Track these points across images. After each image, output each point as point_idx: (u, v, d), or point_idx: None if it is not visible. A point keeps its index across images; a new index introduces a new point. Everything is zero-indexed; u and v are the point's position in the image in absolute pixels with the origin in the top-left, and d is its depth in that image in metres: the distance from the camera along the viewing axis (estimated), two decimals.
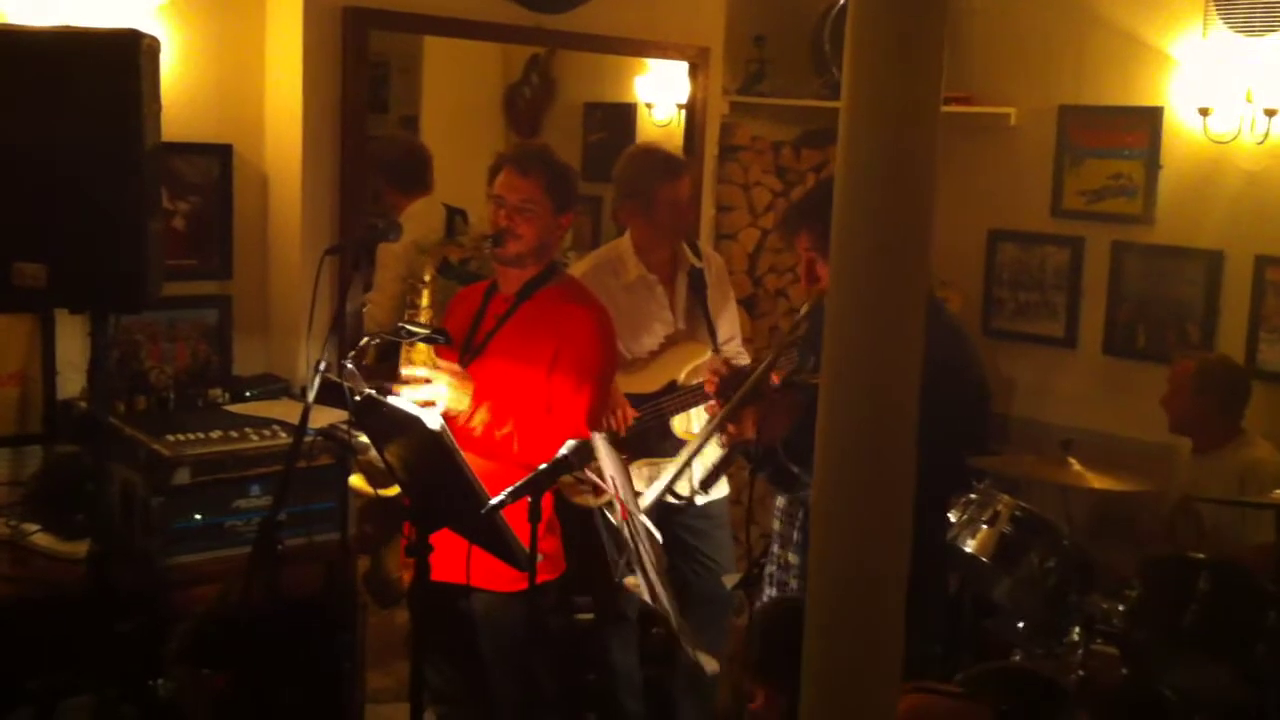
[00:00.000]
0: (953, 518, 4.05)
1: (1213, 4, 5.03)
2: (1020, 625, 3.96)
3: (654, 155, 4.26)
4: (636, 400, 4.02)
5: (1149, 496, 4.62)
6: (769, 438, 3.01)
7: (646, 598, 2.65)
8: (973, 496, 4.09)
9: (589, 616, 4.14)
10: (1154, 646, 3.68)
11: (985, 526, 3.94)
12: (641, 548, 2.52)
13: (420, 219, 4.66)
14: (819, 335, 3.17)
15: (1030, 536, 3.94)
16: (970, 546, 3.96)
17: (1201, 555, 3.76)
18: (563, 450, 2.69)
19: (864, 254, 1.62)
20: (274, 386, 4.11)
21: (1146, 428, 4.88)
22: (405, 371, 3.22)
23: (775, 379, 3.02)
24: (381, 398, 2.82)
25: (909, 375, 1.63)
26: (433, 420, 2.68)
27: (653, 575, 2.55)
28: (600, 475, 2.67)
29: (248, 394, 4.04)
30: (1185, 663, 3.67)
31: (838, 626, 1.60)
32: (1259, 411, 4.69)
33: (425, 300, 3.30)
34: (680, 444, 4.09)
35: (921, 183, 1.63)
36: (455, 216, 4.78)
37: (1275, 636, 3.60)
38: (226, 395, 4.01)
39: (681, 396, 4.05)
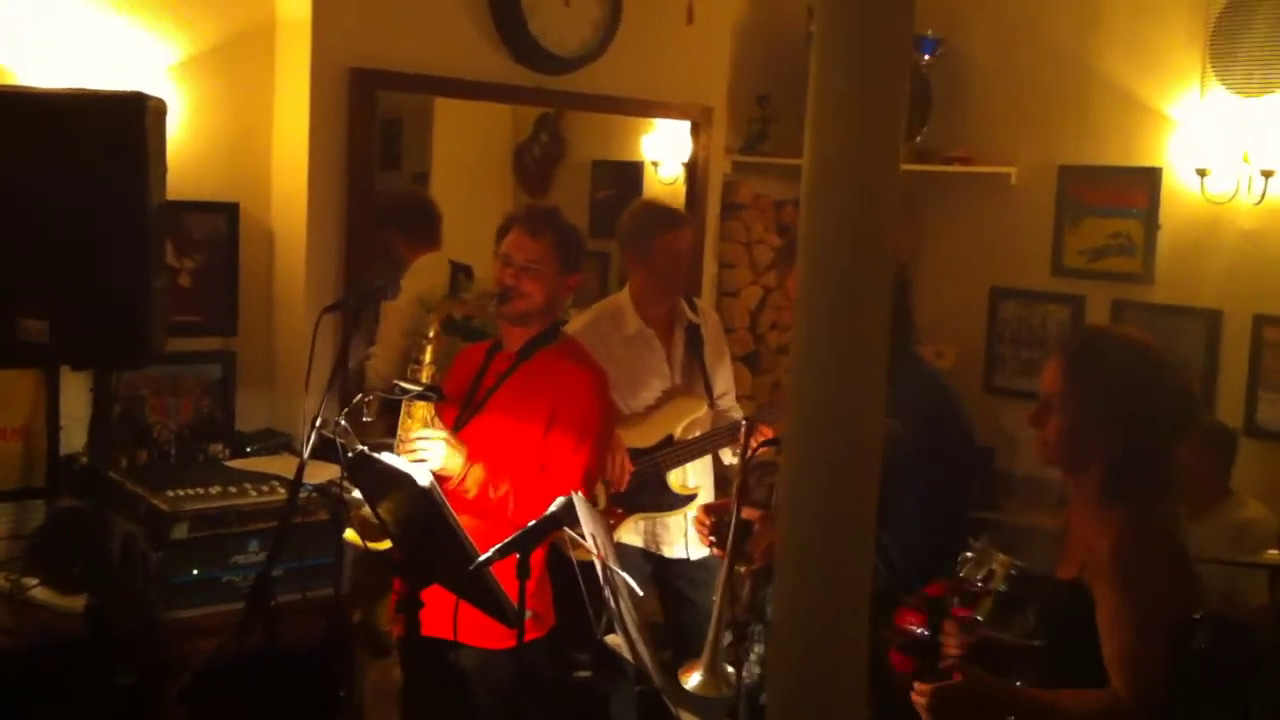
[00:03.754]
0: None
1: (1210, 65, 5.09)
2: (1018, 684, 3.95)
3: (654, 207, 4.37)
4: (633, 454, 4.04)
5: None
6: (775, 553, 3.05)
7: (628, 655, 2.66)
8: (968, 555, 4.09)
9: (587, 673, 4.15)
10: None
11: (980, 585, 3.94)
12: (621, 604, 2.54)
13: (426, 274, 4.71)
14: None
15: (1027, 596, 3.94)
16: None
17: (1197, 614, 3.75)
18: (552, 508, 2.71)
19: (826, 309, 1.64)
20: (275, 442, 4.15)
21: None
22: (406, 434, 3.26)
23: (752, 514, 3.07)
24: (374, 454, 2.85)
25: (872, 427, 1.66)
26: (423, 477, 2.71)
27: (634, 632, 2.56)
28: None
29: (248, 449, 4.07)
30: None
31: (802, 679, 1.62)
32: (1258, 470, 4.70)
33: (429, 356, 3.32)
34: (676, 498, 4.12)
35: (881, 240, 1.66)
36: (459, 273, 4.83)
37: (1270, 693, 3.58)
38: (227, 450, 4.05)
39: (678, 451, 4.08)
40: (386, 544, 3.15)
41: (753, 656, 3.18)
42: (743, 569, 3.05)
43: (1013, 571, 3.98)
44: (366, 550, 3.17)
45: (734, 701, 2.75)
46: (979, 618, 2.86)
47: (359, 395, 3.13)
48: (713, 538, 3.11)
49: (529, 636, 3.21)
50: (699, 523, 3.19)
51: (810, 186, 1.67)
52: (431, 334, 3.32)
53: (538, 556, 3.26)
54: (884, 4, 1.61)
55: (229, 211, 4.26)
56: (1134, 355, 2.58)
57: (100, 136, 3.23)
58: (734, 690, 2.75)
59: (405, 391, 3.14)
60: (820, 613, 1.65)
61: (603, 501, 3.96)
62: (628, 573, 2.71)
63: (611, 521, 3.98)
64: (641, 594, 2.63)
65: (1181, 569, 2.56)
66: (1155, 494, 2.57)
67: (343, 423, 2.87)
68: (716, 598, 2.96)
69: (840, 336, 1.64)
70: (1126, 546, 2.47)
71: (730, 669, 2.78)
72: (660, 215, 4.26)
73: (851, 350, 1.64)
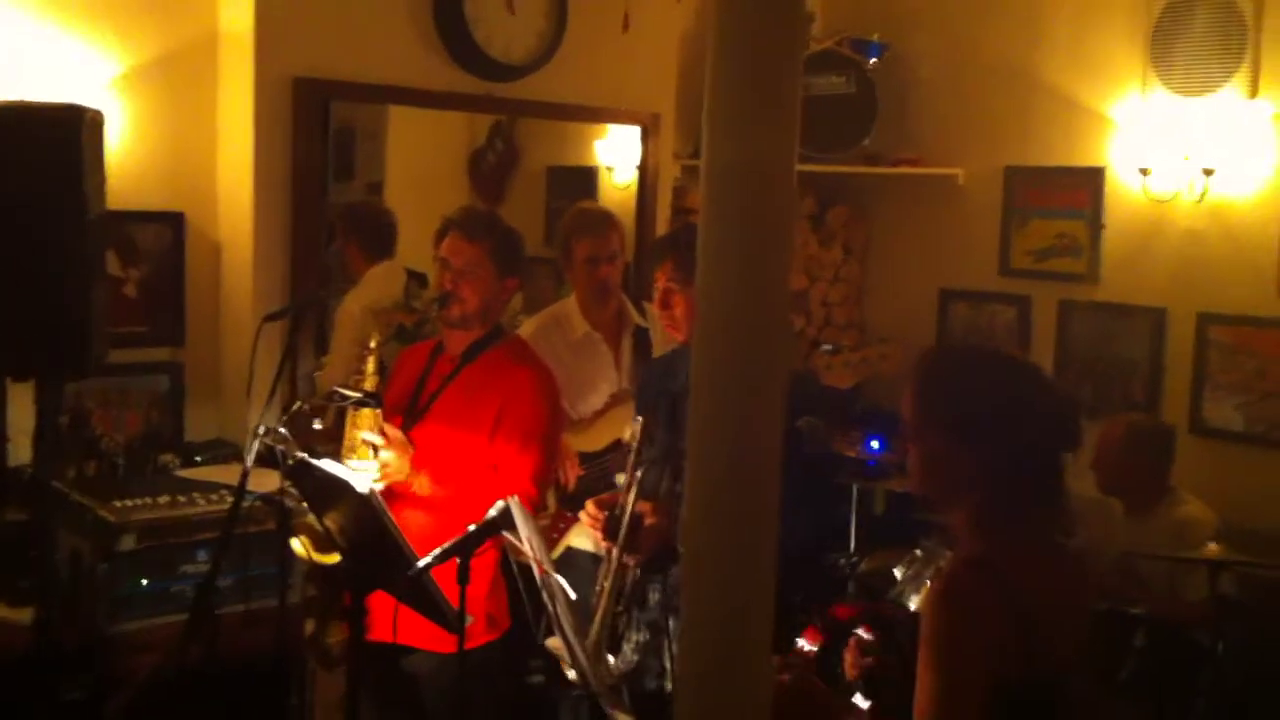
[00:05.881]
0: (897, 574, 4.09)
1: (1152, 66, 5.15)
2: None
3: (577, 212, 4.34)
4: (582, 459, 4.05)
5: (1087, 552, 4.63)
6: (663, 543, 3.09)
7: (566, 658, 2.68)
8: (917, 553, 4.13)
9: (539, 679, 4.15)
10: (1090, 700, 3.71)
11: (929, 583, 3.98)
12: (558, 608, 2.56)
13: (381, 282, 4.70)
14: (655, 388, 3.23)
15: None
16: (914, 603, 3.99)
17: (1138, 611, 3.79)
18: (490, 513, 2.72)
19: (725, 311, 1.67)
20: (224, 451, 4.14)
21: (1090, 483, 4.92)
22: (352, 442, 3.26)
23: (645, 507, 3.09)
24: (312, 461, 2.85)
25: (772, 425, 1.67)
26: (361, 484, 2.72)
27: (570, 636, 2.58)
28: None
29: (197, 459, 4.07)
30: (1121, 716, 3.70)
31: (709, 665, 1.64)
32: (1202, 467, 4.73)
33: (371, 366, 3.32)
34: None
35: (780, 241, 1.68)
36: (411, 281, 4.83)
37: (1212, 691, 3.63)
38: (177, 460, 4.05)
39: (625, 455, 4.08)
40: (335, 558, 3.14)
41: (631, 643, 3.20)
42: (631, 561, 3.07)
43: None
44: (313, 562, 3.17)
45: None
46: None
47: (297, 403, 3.13)
48: (602, 531, 3.11)
49: (483, 640, 3.23)
50: (589, 516, 3.19)
51: (708, 191, 1.68)
52: (373, 344, 3.32)
53: (489, 560, 3.27)
54: (776, 13, 1.63)
55: (174, 222, 4.26)
56: (990, 374, 2.23)
57: (37, 149, 3.22)
58: (615, 678, 2.76)
59: (344, 398, 3.14)
60: (727, 604, 1.67)
61: (552, 505, 3.96)
62: (577, 577, 2.73)
63: (561, 525, 3.99)
64: (575, 597, 2.64)
65: (1001, 619, 2.06)
66: (1035, 519, 2.20)
67: (282, 430, 2.87)
68: (604, 587, 2.97)
69: (740, 337, 1.67)
70: (935, 593, 2.13)
71: (612, 658, 2.80)
72: (578, 220, 4.23)
73: (751, 348, 1.66)
